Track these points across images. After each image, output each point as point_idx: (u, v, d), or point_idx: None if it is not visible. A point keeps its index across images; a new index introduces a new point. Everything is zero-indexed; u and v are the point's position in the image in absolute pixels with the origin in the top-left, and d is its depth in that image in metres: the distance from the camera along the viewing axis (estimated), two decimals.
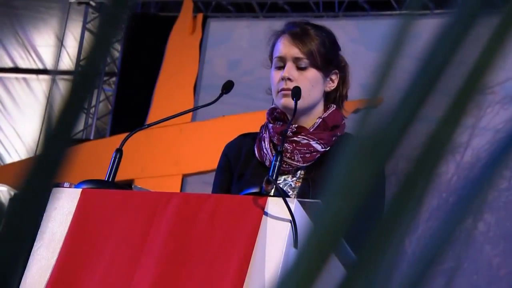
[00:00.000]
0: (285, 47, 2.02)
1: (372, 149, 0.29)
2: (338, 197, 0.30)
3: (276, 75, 2.01)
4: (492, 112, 5.44)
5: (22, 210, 0.32)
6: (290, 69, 1.99)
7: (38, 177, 0.33)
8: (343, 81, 2.10)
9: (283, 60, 2.01)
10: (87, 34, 7.24)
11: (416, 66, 0.31)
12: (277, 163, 1.67)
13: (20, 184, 0.33)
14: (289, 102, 1.96)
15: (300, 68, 2.00)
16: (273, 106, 2.05)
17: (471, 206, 0.33)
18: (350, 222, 0.30)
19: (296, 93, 1.92)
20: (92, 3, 7.28)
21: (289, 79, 1.98)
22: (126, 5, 0.34)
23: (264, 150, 1.98)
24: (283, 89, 1.98)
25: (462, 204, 0.33)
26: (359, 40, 6.25)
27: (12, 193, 7.16)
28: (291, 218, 1.45)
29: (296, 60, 2.00)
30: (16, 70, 7.65)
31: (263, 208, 1.48)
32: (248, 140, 2.07)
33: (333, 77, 2.06)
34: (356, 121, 0.31)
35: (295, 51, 2.00)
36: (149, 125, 1.92)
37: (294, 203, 1.47)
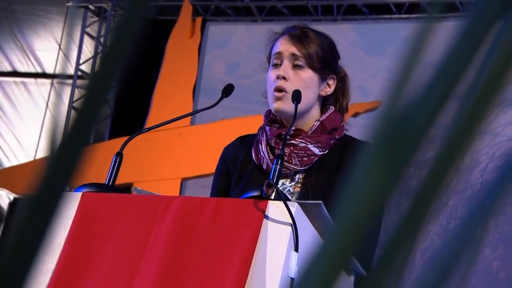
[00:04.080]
0: (283, 45, 2.01)
1: (391, 154, 0.29)
2: (351, 213, 0.29)
3: (272, 74, 1.99)
4: (491, 116, 5.44)
5: (37, 213, 0.32)
6: (285, 68, 1.98)
7: (54, 180, 0.32)
8: (343, 92, 2.08)
9: (280, 57, 2.00)
10: (86, 37, 7.24)
11: (433, 70, 0.31)
12: (278, 166, 1.66)
13: (34, 187, 0.32)
14: (281, 106, 1.95)
15: (296, 67, 1.98)
16: (270, 108, 2.04)
17: (483, 220, 0.33)
18: (363, 236, 0.30)
19: (296, 96, 1.91)
20: (91, 7, 7.28)
21: (284, 77, 1.96)
22: (143, 12, 0.33)
23: (262, 153, 1.97)
24: (276, 88, 1.96)
25: (474, 219, 0.33)
26: (358, 43, 6.26)
27: (12, 197, 7.15)
28: (291, 222, 1.45)
29: (293, 57, 1.99)
30: (14, 74, 7.65)
31: (263, 212, 1.48)
32: (246, 143, 2.06)
33: (330, 82, 2.04)
34: (372, 125, 0.31)
35: (292, 49, 2.00)
36: (149, 129, 1.92)
37: (294, 207, 1.47)
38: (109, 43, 0.32)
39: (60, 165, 0.32)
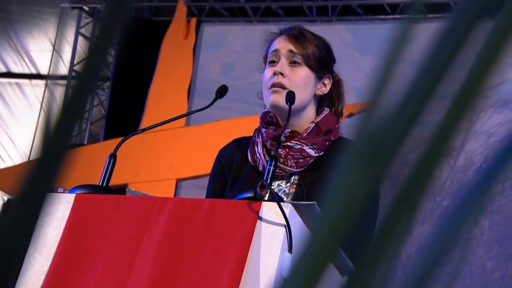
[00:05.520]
0: (281, 43, 2.02)
1: (371, 156, 0.29)
2: (337, 205, 0.30)
3: (269, 72, 2.00)
4: (485, 116, 5.46)
5: (20, 215, 0.32)
6: (282, 65, 1.98)
7: (37, 182, 0.32)
8: (338, 97, 2.09)
9: (277, 54, 2.00)
10: (80, 38, 7.23)
11: (415, 70, 0.31)
12: (271, 167, 1.66)
13: (18, 189, 0.33)
14: (278, 99, 1.95)
15: (293, 65, 1.99)
16: (266, 110, 2.04)
17: (471, 212, 0.33)
18: (348, 230, 0.30)
19: (290, 97, 1.91)
20: (85, 7, 7.27)
21: (281, 73, 1.97)
22: (125, 10, 0.34)
23: (257, 155, 1.97)
24: (273, 84, 1.97)
25: (462, 211, 0.33)
26: (353, 44, 6.26)
27: (6, 198, 7.13)
28: (285, 223, 1.45)
29: (290, 54, 1.99)
30: (9, 75, 7.63)
31: (257, 213, 1.48)
32: (241, 145, 2.06)
33: (326, 81, 2.05)
34: (354, 126, 0.31)
35: (290, 46, 2.01)
36: (143, 130, 1.92)
37: (288, 208, 1.47)
38: (91, 44, 0.33)
39: (42, 166, 0.32)
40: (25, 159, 7.22)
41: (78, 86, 0.34)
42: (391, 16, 6.40)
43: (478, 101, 0.31)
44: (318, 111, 2.04)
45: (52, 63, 7.05)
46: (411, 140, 0.31)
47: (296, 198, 1.89)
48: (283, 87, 1.96)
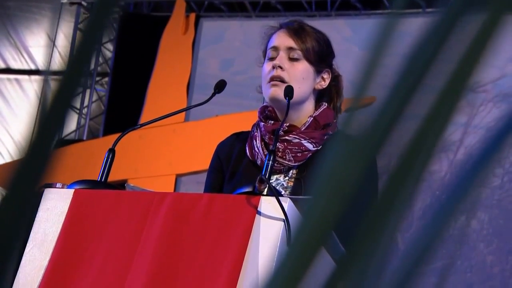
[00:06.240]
0: (280, 38, 2.03)
1: (360, 145, 0.29)
2: (328, 191, 0.30)
3: (268, 66, 2.00)
4: (485, 110, 5.46)
5: (9, 212, 0.32)
6: (282, 58, 1.99)
7: (24, 179, 0.32)
8: (337, 92, 2.09)
9: (276, 50, 2.01)
10: (79, 34, 7.22)
11: (403, 63, 0.31)
12: (270, 162, 1.66)
13: (7, 186, 0.32)
14: (277, 93, 1.95)
15: (292, 60, 1.99)
16: (264, 104, 2.04)
17: (461, 204, 0.33)
18: (340, 216, 0.30)
19: (288, 92, 1.92)
20: (84, 3, 7.26)
21: (280, 67, 1.97)
22: (114, 5, 0.33)
23: (256, 149, 1.97)
24: (272, 78, 1.97)
25: (452, 202, 0.33)
26: (352, 39, 6.26)
27: (4, 193, 7.13)
28: (284, 217, 1.45)
29: (289, 50, 2.00)
30: (8, 71, 7.62)
31: (256, 207, 1.48)
32: (240, 139, 2.06)
33: (325, 75, 2.05)
34: (344, 118, 0.31)
35: (289, 42, 2.01)
36: (142, 125, 1.92)
37: (287, 202, 1.47)
38: (78, 40, 0.32)
39: (28, 163, 0.32)
40: (22, 155, 7.21)
41: (64, 81, 0.33)
42: (390, 11, 6.39)
43: (466, 93, 0.31)
44: (317, 106, 2.04)
45: (49, 58, 7.05)
46: (404, 134, 0.31)
47: (295, 192, 1.89)
48: (282, 80, 1.96)
